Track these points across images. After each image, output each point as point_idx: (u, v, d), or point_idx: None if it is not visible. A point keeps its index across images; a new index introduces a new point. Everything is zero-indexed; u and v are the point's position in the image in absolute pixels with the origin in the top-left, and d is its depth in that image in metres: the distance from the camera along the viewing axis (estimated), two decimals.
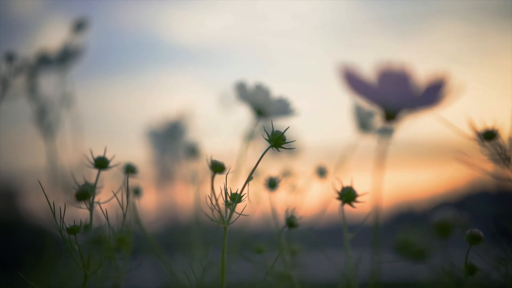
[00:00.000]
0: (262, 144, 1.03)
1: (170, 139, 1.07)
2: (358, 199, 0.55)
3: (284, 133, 0.60)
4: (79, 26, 0.90)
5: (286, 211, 0.64)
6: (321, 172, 0.73)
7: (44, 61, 0.90)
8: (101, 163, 0.66)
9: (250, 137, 0.89)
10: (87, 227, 0.65)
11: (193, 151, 0.75)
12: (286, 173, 0.77)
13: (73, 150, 0.92)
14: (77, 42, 0.92)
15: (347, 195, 0.54)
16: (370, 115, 0.71)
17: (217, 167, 0.59)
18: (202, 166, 0.95)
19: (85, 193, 0.62)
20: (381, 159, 0.49)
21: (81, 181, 0.65)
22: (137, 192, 0.69)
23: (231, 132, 1.06)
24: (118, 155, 0.66)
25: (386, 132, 0.69)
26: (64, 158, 0.92)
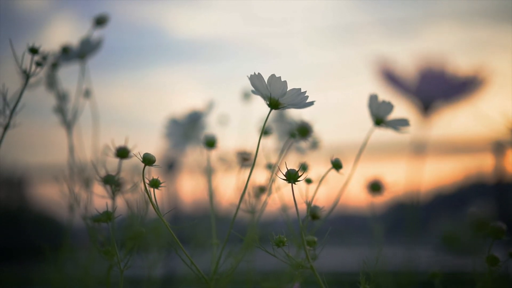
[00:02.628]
0: (278, 135, 1.03)
1: (191, 128, 1.07)
2: (385, 190, 0.56)
3: (309, 126, 0.61)
4: (99, 21, 0.91)
5: (309, 202, 0.64)
6: (337, 165, 0.73)
7: (65, 55, 0.90)
8: (123, 153, 0.67)
9: (266, 129, 0.89)
10: (110, 216, 0.66)
11: (210, 142, 0.75)
12: (304, 166, 0.78)
13: (92, 142, 0.92)
14: (93, 37, 0.92)
15: (376, 187, 0.55)
16: (388, 107, 0.71)
17: (244, 158, 0.59)
18: (218, 157, 0.96)
19: (112, 179, 0.62)
20: (418, 151, 0.49)
21: (102, 172, 0.65)
22: (155, 183, 0.69)
23: (249, 125, 1.06)
24: (132, 147, 0.67)
25: (403, 125, 0.69)
26: (82, 149, 0.92)
